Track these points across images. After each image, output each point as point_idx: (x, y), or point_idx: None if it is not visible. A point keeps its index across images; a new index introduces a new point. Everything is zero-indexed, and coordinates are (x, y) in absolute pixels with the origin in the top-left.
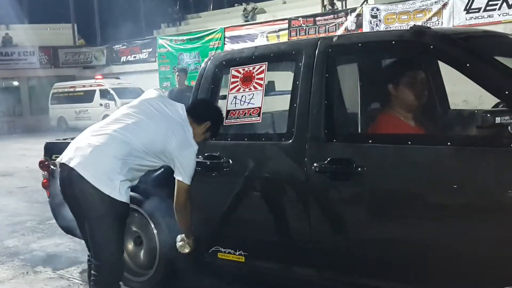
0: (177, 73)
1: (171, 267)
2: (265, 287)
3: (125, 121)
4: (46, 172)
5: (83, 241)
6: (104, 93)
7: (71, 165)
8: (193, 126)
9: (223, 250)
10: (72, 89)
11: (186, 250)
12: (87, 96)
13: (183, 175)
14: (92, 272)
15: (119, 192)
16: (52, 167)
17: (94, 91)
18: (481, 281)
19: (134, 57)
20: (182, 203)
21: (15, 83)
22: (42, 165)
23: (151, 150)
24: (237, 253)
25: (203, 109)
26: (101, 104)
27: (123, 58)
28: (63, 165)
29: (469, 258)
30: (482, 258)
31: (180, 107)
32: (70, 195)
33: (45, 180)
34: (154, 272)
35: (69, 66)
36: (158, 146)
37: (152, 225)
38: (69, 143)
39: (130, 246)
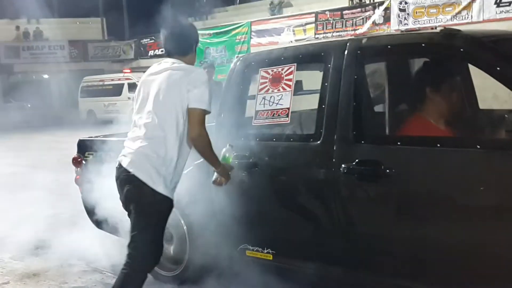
0: (206, 69)
1: (200, 263)
2: (292, 284)
3: (145, 121)
4: (79, 168)
5: (114, 236)
6: (132, 87)
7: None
8: (187, 59)
9: (251, 248)
10: (101, 83)
11: (223, 180)
12: (116, 90)
13: (197, 101)
14: (126, 259)
15: (165, 186)
16: (84, 163)
17: (123, 84)
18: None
19: (162, 51)
20: (197, 130)
21: (45, 76)
22: (75, 161)
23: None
24: (265, 251)
25: (183, 40)
26: (129, 98)
27: (151, 52)
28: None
29: (497, 259)
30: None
31: (167, 62)
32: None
33: (78, 177)
34: (184, 267)
35: (98, 60)
36: (178, 108)
37: (182, 221)
38: (102, 140)
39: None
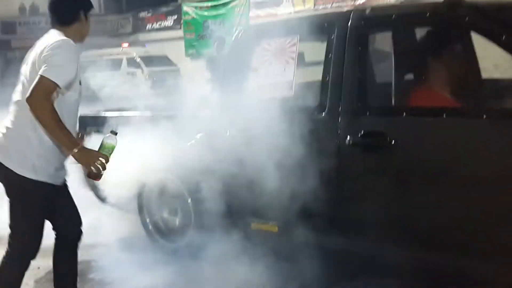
0: (216, 41)
1: (204, 235)
2: (298, 256)
3: (14, 100)
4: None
5: (119, 212)
6: (131, 62)
7: None
8: (72, 30)
9: (256, 220)
10: (99, 58)
11: (92, 171)
12: (114, 65)
13: (45, 70)
14: (6, 249)
15: (34, 171)
16: (86, 139)
17: (121, 59)
18: None
19: (160, 24)
20: (34, 96)
21: None
22: (76, 137)
23: None
24: (270, 223)
25: (63, 6)
26: (128, 73)
27: (149, 26)
28: None
29: (503, 227)
30: None
31: (47, 34)
32: None
33: None
34: (189, 240)
35: (95, 35)
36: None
37: (186, 194)
38: (101, 116)
39: (166, 214)
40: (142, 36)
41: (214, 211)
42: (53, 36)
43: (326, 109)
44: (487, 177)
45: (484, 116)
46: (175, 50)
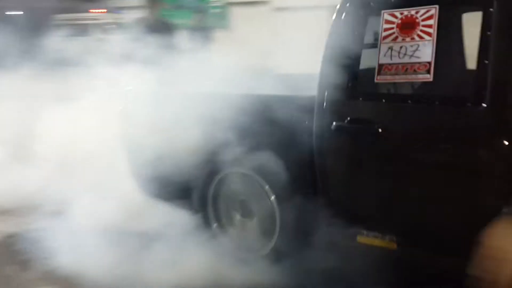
0: (196, 12)
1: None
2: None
3: None
4: None
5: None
6: (101, 28)
7: None
8: None
9: (365, 233)
10: (73, 23)
11: None
12: (83, 31)
13: None
14: None
15: None
16: None
17: (91, 25)
18: None
19: None
20: None
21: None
22: None
23: None
24: (387, 237)
25: None
26: (98, 40)
27: None
28: None
29: None
30: None
31: None
32: None
33: None
34: (275, 244)
35: None
36: None
37: (267, 187)
38: None
39: (238, 217)
40: (114, 2)
41: (308, 213)
42: None
43: (486, 100)
44: None
45: None
46: None
